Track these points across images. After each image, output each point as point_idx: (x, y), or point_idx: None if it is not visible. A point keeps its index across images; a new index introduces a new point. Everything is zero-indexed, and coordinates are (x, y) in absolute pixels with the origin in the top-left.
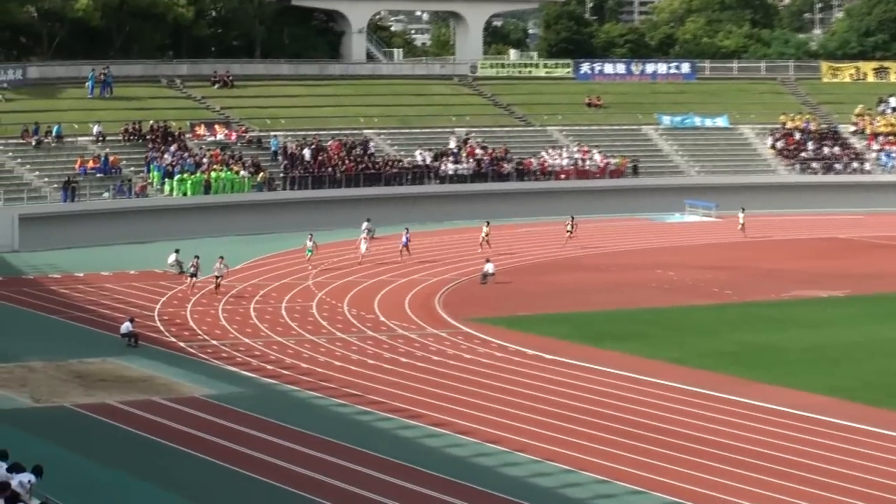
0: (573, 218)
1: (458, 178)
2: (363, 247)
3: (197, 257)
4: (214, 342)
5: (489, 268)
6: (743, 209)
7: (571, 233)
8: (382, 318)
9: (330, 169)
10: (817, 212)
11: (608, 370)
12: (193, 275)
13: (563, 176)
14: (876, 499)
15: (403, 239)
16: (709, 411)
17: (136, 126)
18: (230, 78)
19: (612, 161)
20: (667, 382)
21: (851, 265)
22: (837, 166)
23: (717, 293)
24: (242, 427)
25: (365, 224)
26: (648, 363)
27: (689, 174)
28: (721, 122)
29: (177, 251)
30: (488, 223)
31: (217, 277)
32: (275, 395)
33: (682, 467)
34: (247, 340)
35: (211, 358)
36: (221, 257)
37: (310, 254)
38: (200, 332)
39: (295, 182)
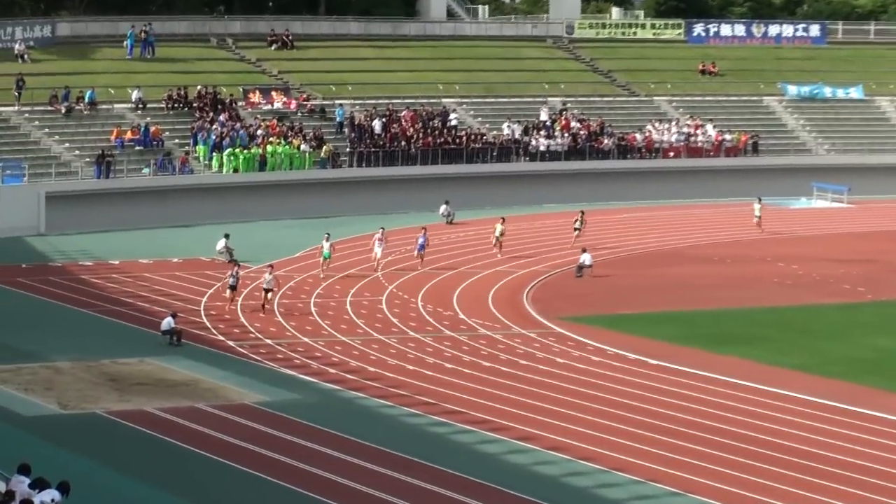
0: (583, 213)
1: (550, 155)
2: (378, 250)
3: (237, 264)
4: (269, 341)
5: (586, 258)
6: (759, 199)
7: (580, 231)
8: (462, 316)
9: (403, 143)
10: None
11: (722, 378)
12: (233, 287)
13: (671, 154)
14: None
15: (420, 241)
16: (841, 427)
17: (181, 92)
18: (290, 37)
19: (729, 137)
20: (790, 393)
21: None
22: None
23: (849, 290)
24: (300, 439)
25: (443, 207)
26: (769, 370)
27: (818, 153)
28: (855, 93)
29: (226, 236)
30: (503, 220)
31: (266, 292)
32: (338, 402)
33: (809, 492)
34: (306, 340)
35: (264, 360)
36: (271, 265)
37: (327, 257)
38: (252, 330)
39: (363, 158)
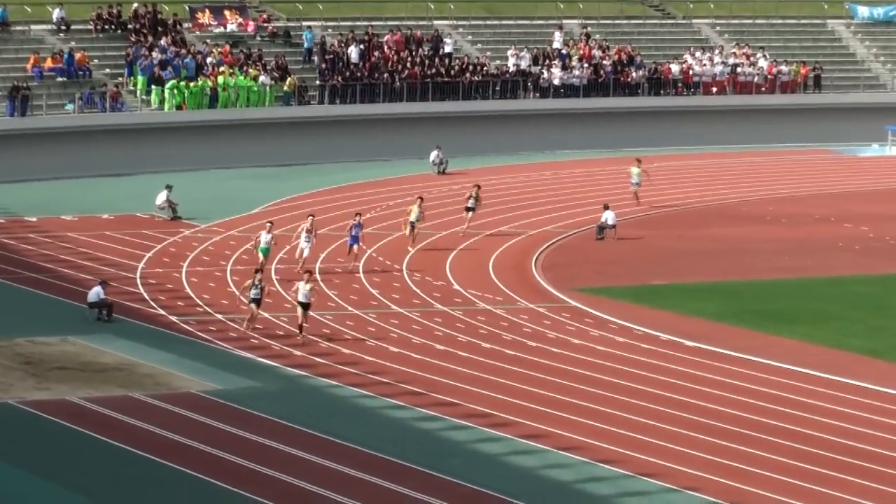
0: (479, 187)
1: (566, 90)
2: (305, 246)
3: (260, 283)
4: (220, 316)
5: (609, 217)
6: (639, 160)
7: (475, 211)
8: (457, 287)
9: (386, 75)
10: None
11: (776, 364)
12: (257, 300)
13: (714, 89)
14: None
15: (353, 231)
16: None
17: (114, 11)
18: None
19: (785, 69)
20: (859, 383)
21: None
22: None
23: None
24: (259, 436)
25: (434, 153)
26: (833, 355)
27: (894, 88)
28: None
29: (168, 188)
30: (421, 199)
31: (303, 307)
32: (305, 392)
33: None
34: (265, 314)
35: (215, 339)
36: (309, 271)
37: (265, 253)
38: (201, 303)
39: (336, 93)
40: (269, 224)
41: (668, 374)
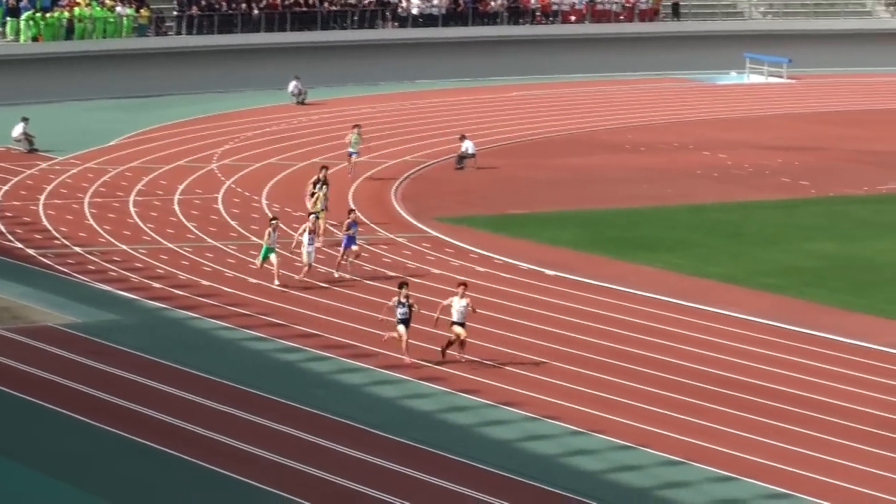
0: (326, 168)
1: (424, 19)
2: (309, 250)
3: (407, 300)
4: (78, 249)
5: (468, 146)
6: (358, 126)
7: (327, 196)
8: None
9: (244, 5)
10: None
11: (635, 292)
12: (406, 321)
13: (572, 18)
14: None
15: (350, 231)
16: (780, 351)
17: None
18: None
19: None
20: (717, 310)
21: None
22: None
23: (789, 185)
24: (119, 370)
25: (293, 84)
26: (692, 282)
27: (752, 16)
28: None
29: (24, 120)
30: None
31: (458, 330)
32: (164, 324)
33: (738, 428)
34: (124, 247)
35: (73, 272)
36: (465, 283)
37: (269, 253)
38: (59, 236)
39: (193, 23)
40: (274, 221)
41: (530, 303)
